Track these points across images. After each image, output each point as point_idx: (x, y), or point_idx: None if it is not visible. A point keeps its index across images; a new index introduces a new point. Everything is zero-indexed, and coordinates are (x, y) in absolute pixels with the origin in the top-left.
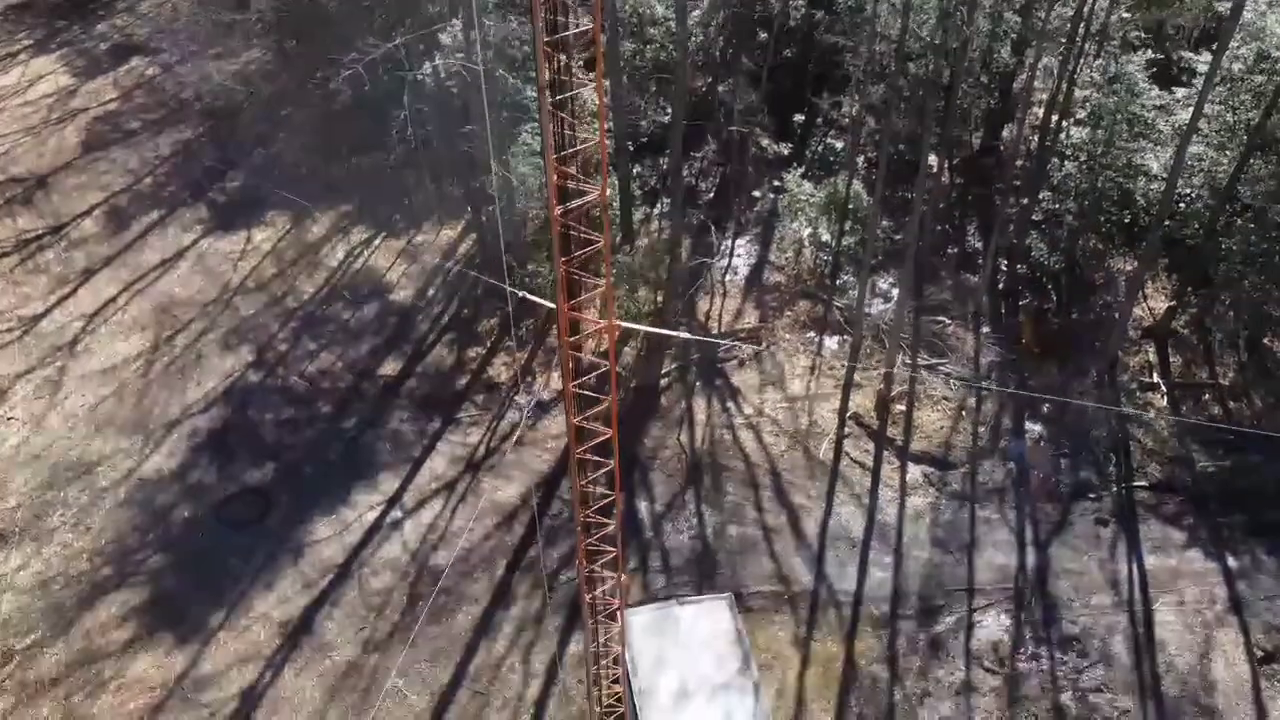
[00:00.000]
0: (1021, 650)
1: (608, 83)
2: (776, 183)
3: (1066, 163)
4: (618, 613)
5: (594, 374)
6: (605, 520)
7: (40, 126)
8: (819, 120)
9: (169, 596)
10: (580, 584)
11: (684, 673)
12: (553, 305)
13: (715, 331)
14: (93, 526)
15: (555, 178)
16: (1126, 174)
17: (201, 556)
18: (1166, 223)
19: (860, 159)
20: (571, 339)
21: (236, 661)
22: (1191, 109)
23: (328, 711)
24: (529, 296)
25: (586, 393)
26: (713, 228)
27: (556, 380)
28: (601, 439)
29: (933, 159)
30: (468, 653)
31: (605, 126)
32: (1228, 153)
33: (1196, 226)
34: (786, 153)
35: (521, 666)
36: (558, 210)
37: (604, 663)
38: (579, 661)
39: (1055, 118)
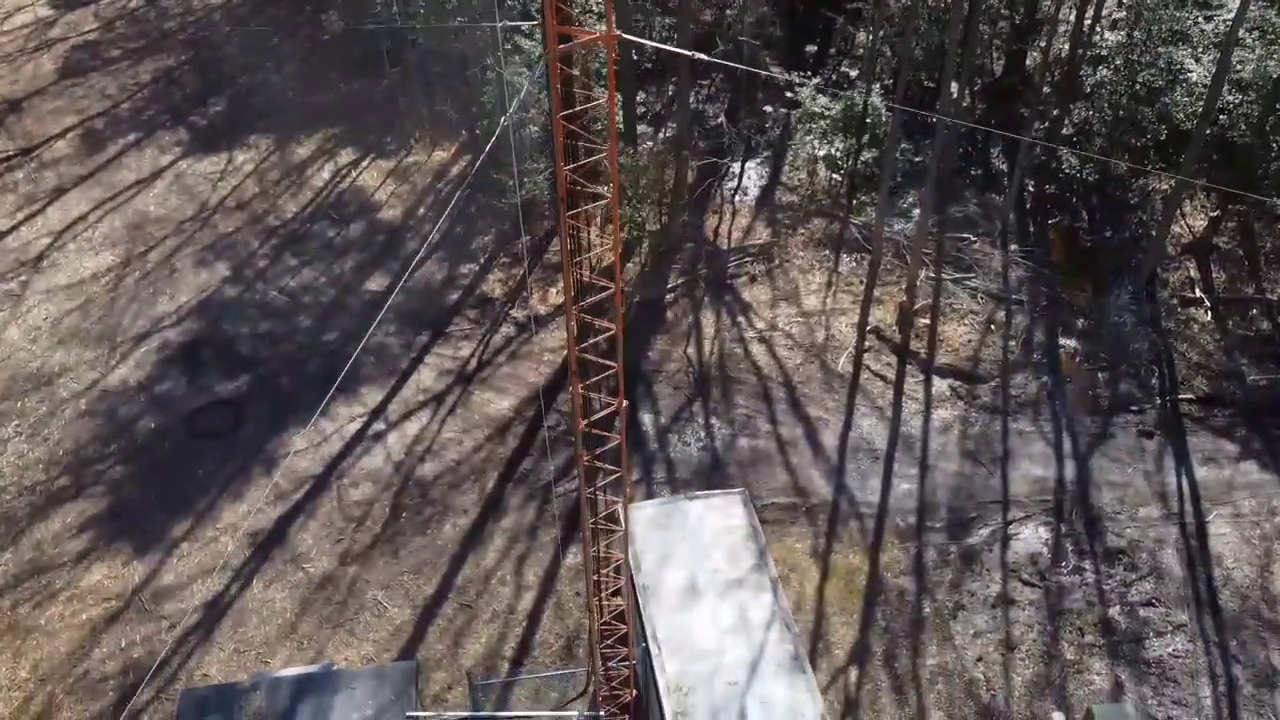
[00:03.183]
0: (1063, 563)
1: None
2: (789, 94)
3: (1100, 68)
4: (620, 501)
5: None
6: (611, 403)
7: (15, 55)
8: (832, 50)
9: (129, 507)
10: (579, 462)
11: (693, 569)
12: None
13: (725, 248)
14: (50, 437)
15: None
16: (1165, 77)
17: (166, 467)
18: (1208, 131)
19: (877, 86)
20: (562, 50)
21: (200, 573)
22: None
23: (300, 624)
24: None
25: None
26: (724, 120)
27: (554, 296)
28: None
29: (953, 87)
30: (455, 565)
31: None
32: (1276, 50)
33: (1243, 128)
34: (798, 80)
35: (513, 579)
36: None
37: (602, 553)
38: (576, 574)
39: (1088, 22)
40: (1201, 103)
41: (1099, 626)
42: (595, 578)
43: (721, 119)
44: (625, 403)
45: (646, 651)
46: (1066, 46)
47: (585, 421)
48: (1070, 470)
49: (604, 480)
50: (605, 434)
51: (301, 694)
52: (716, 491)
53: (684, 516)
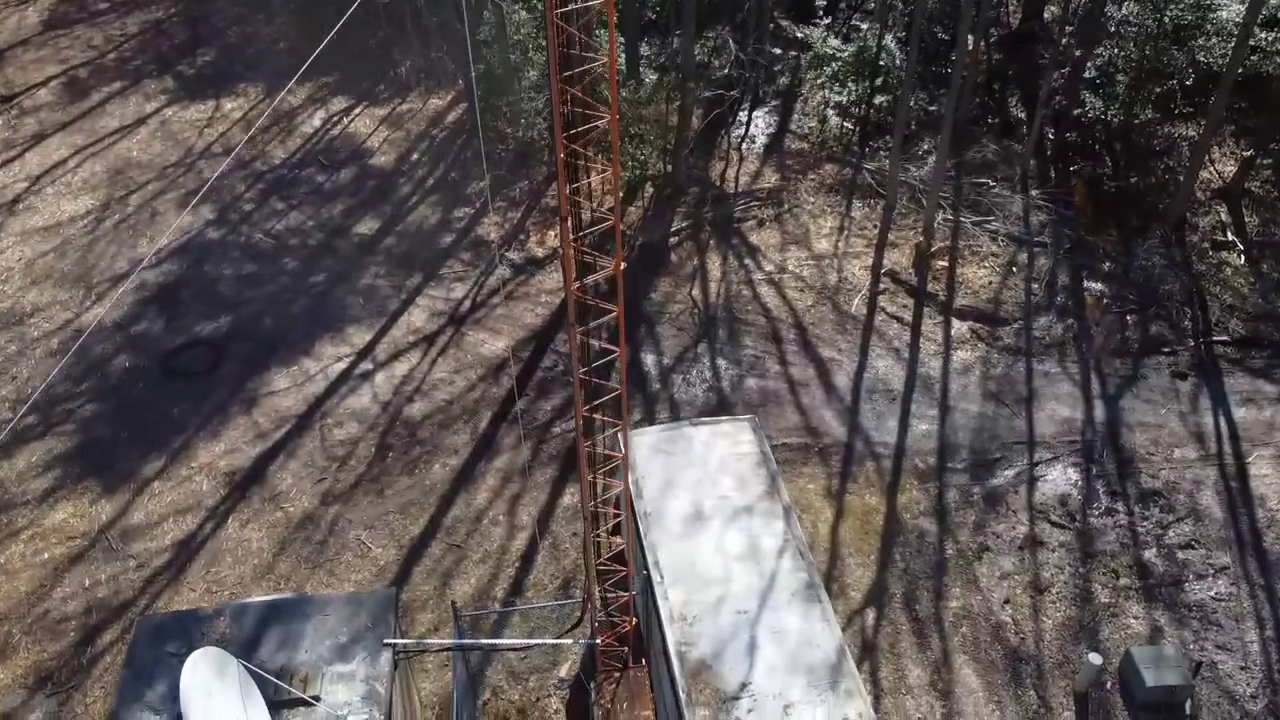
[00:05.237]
0: (1094, 505)
1: None
2: (799, 35)
3: (1126, 3)
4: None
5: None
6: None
7: (0, 7)
8: (842, 4)
9: (100, 445)
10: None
11: (698, 495)
12: None
13: (732, 192)
14: (19, 375)
15: None
16: (1194, 13)
17: (141, 406)
18: (1239, 70)
19: (889, 39)
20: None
21: (173, 512)
22: None
23: (277, 564)
24: None
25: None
26: (731, 42)
27: (552, 238)
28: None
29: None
30: (443, 505)
31: None
32: None
33: (1278, 63)
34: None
35: (505, 519)
36: None
37: (601, 476)
38: (573, 515)
39: None
40: (1232, 42)
41: (1134, 569)
42: (590, 478)
43: (728, 65)
44: (623, 266)
45: (648, 580)
46: None
47: (578, 286)
48: (1099, 411)
49: (600, 362)
50: (600, 305)
51: (269, 621)
52: (724, 418)
53: (689, 442)
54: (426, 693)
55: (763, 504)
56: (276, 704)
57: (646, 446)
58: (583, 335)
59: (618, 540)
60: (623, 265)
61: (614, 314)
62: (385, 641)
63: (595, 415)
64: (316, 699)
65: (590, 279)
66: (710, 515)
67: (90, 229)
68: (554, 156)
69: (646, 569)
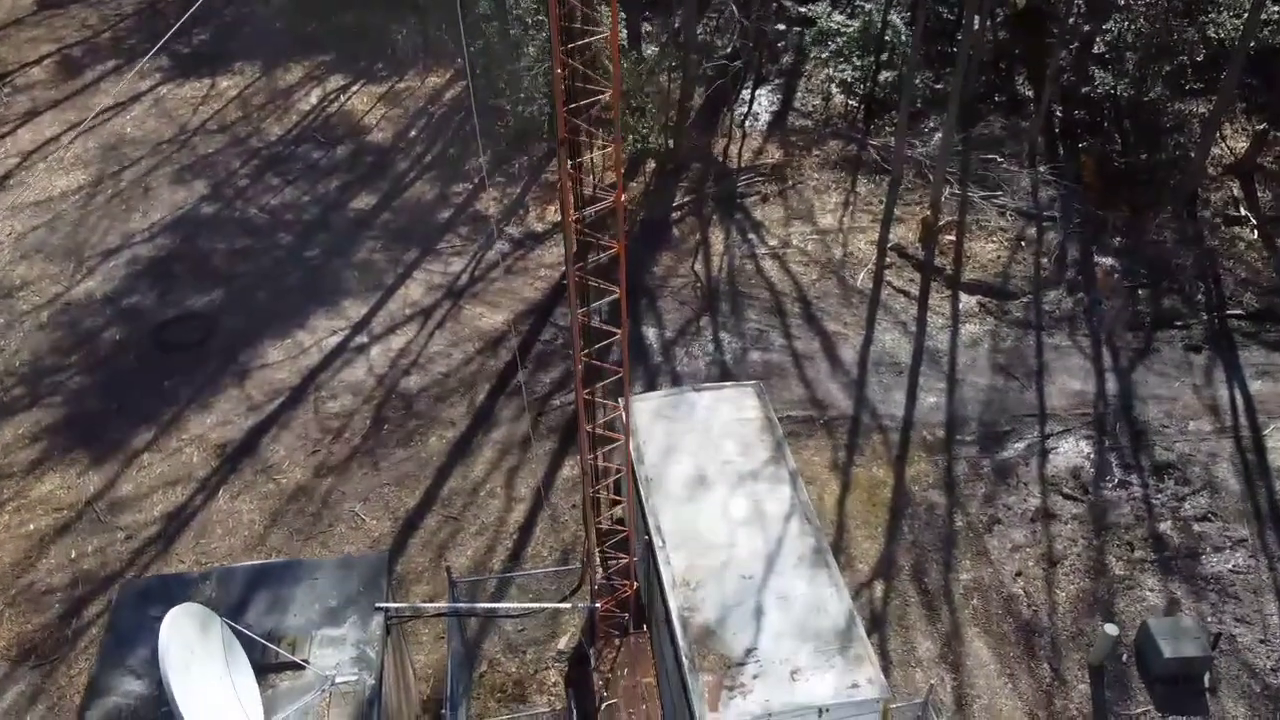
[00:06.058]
0: (1107, 477)
1: None
2: (802, 10)
3: None
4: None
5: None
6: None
7: None
8: None
9: (89, 417)
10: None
11: (701, 460)
12: None
13: (735, 168)
14: (6, 348)
15: None
16: None
17: (130, 378)
18: (1251, 45)
19: (894, 15)
20: None
21: (162, 484)
22: None
23: (268, 535)
24: None
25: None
26: (735, 9)
27: (552, 214)
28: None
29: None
30: (440, 477)
31: None
32: None
33: None
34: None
35: (503, 491)
36: None
37: (601, 449)
38: (573, 487)
39: None
40: (1243, 16)
41: (1150, 541)
42: (590, 428)
43: (731, 42)
44: (624, 202)
45: (649, 546)
46: None
47: (576, 218)
48: (1112, 384)
49: (600, 302)
50: (596, 237)
51: (257, 584)
52: (727, 383)
53: (691, 407)
54: (421, 664)
55: (768, 469)
56: (263, 667)
57: (648, 412)
58: (580, 275)
59: (618, 502)
60: (623, 202)
61: (615, 259)
62: (377, 605)
63: (595, 361)
64: (305, 662)
65: (592, 228)
66: (714, 480)
67: (82, 204)
68: (554, 130)
69: (648, 534)
